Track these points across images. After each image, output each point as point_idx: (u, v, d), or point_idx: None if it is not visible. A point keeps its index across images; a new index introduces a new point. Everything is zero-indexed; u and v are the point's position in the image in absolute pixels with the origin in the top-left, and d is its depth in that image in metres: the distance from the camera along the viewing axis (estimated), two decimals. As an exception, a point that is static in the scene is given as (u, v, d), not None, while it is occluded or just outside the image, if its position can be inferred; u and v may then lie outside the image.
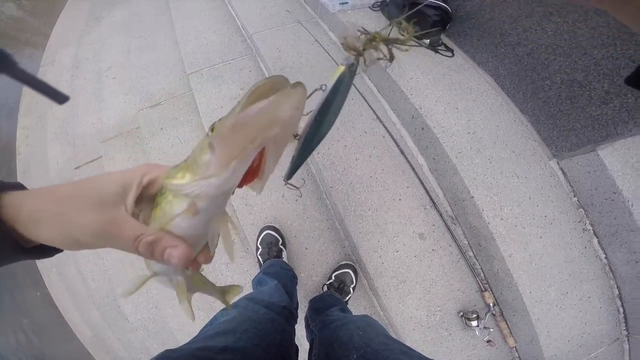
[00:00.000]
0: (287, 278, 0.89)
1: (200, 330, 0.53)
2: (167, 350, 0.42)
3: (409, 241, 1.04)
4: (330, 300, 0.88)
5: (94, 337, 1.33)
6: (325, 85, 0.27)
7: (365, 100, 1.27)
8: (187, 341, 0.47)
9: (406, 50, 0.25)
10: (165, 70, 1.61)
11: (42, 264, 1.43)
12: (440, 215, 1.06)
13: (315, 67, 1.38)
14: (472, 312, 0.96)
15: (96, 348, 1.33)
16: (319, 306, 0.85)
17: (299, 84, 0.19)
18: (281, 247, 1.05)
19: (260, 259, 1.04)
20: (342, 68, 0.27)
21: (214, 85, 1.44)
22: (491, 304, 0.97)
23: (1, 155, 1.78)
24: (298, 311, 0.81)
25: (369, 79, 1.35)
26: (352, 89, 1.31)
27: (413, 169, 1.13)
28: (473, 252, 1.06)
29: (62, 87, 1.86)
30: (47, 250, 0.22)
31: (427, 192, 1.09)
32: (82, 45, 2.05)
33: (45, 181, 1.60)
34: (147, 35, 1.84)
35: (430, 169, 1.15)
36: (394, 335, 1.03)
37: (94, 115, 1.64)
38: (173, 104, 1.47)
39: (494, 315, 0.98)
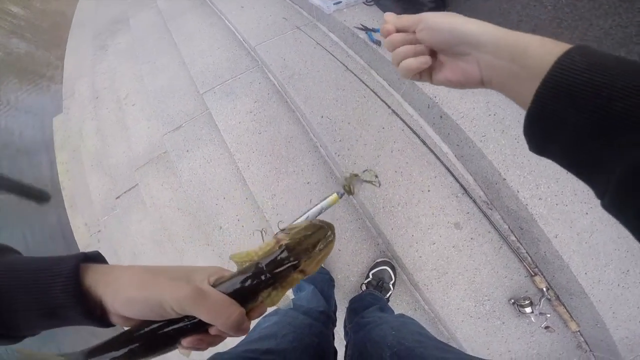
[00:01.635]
0: (323, 282, 0.91)
1: (245, 336, 0.56)
2: (216, 353, 0.46)
3: (444, 232, 1.01)
4: (370, 299, 0.87)
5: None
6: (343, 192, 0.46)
7: (378, 96, 1.27)
8: (233, 346, 0.51)
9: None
10: (180, 92, 1.69)
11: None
12: (474, 201, 1.03)
13: (322, 70, 1.40)
14: (525, 299, 0.91)
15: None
16: (357, 306, 0.85)
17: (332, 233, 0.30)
18: None
19: None
20: (336, 197, 0.54)
21: (228, 101, 1.49)
22: (544, 289, 0.92)
23: (49, 189, 1.91)
24: (338, 313, 0.82)
25: (378, 74, 1.34)
26: (362, 86, 1.31)
27: (438, 158, 1.10)
28: (515, 237, 1.01)
29: (88, 118, 2.00)
30: (106, 321, 0.25)
31: (456, 179, 1.06)
32: (97, 74, 2.18)
33: (92, 214, 1.71)
34: (154, 60, 1.94)
35: (456, 156, 1.12)
36: (442, 329, 1.00)
37: (123, 143, 1.74)
38: (194, 124, 1.53)
39: (549, 300, 0.93)
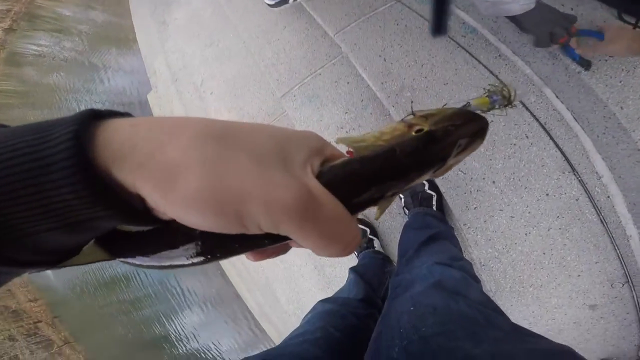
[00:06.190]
0: (375, 266, 0.86)
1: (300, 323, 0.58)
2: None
3: (573, 311, 0.86)
4: (411, 234, 0.74)
5: (260, 312, 1.72)
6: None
7: (552, 139, 0.74)
8: None
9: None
10: (253, 86, 1.41)
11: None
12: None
13: (453, 80, 0.89)
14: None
15: (263, 319, 1.71)
16: (400, 251, 0.73)
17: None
18: (370, 236, 0.99)
19: (355, 254, 0.97)
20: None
21: (313, 110, 1.20)
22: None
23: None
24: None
25: (557, 97, 0.80)
26: (527, 114, 0.78)
27: (613, 241, 0.81)
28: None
29: (176, 99, 1.89)
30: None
31: (624, 267, 0.81)
32: (168, 54, 1.93)
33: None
34: (216, 42, 1.59)
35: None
36: None
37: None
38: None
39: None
